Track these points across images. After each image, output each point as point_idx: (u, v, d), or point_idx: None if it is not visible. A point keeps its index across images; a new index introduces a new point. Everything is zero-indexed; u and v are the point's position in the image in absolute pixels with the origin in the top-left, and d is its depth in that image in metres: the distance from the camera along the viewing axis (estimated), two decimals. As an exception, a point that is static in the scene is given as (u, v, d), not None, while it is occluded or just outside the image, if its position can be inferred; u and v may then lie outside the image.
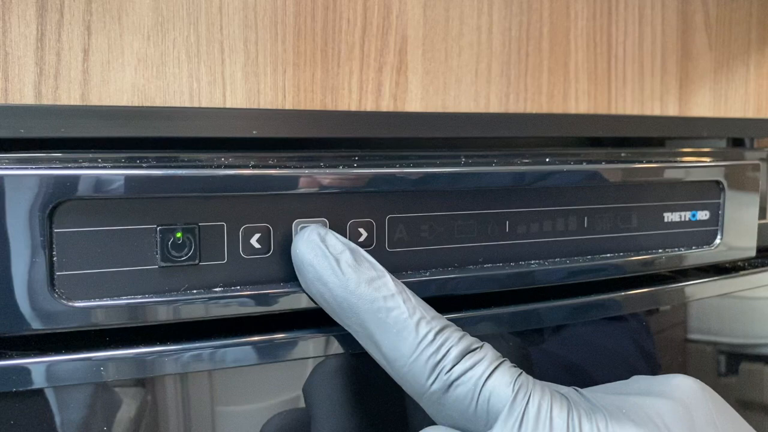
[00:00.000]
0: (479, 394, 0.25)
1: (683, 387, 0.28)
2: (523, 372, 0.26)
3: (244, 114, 0.34)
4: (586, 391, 0.28)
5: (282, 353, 0.28)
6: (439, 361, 0.25)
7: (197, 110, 0.34)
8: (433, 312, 0.27)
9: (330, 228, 0.29)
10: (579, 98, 0.44)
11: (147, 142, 0.33)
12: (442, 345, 0.25)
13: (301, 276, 0.27)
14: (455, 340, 0.26)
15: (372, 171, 0.29)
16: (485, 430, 0.25)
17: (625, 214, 0.35)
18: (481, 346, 0.26)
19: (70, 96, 0.32)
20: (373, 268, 0.27)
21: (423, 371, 0.25)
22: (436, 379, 0.25)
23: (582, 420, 0.25)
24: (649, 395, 0.27)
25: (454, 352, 0.25)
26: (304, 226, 0.28)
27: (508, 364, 0.26)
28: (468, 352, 0.25)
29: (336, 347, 0.29)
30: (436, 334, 0.25)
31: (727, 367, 0.44)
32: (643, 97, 0.46)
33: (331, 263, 0.26)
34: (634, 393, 0.28)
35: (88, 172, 0.24)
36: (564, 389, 0.28)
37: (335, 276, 0.26)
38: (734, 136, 0.50)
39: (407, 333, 0.25)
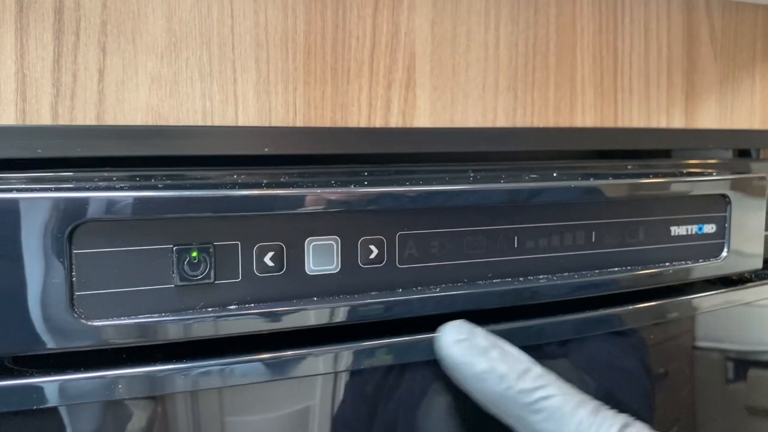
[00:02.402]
0: None
1: None
2: None
3: (256, 132, 0.35)
4: None
5: (295, 369, 0.29)
6: None
7: (210, 128, 0.34)
8: (583, 393, 0.28)
9: (341, 245, 0.30)
10: (585, 111, 0.44)
11: (161, 159, 0.34)
12: (601, 425, 0.27)
13: (455, 373, 0.29)
14: (611, 418, 0.27)
15: (382, 189, 0.29)
16: None
17: (632, 228, 0.36)
18: (634, 423, 0.28)
19: (86, 116, 0.32)
20: (520, 360, 0.29)
21: None
22: None
23: None
24: None
25: (613, 430, 0.27)
26: (445, 325, 0.30)
27: None
28: (624, 427, 0.27)
29: (348, 363, 0.30)
30: (592, 415, 0.27)
31: (735, 375, 0.44)
32: (650, 109, 0.47)
33: (486, 360, 0.28)
34: None
35: (106, 195, 0.25)
36: None
37: (492, 373, 0.28)
38: (740, 148, 0.51)
39: (567, 418, 0.27)
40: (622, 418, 0.28)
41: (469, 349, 0.29)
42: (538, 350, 0.34)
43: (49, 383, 0.26)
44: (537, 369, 0.29)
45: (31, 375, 0.26)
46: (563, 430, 0.27)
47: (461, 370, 0.29)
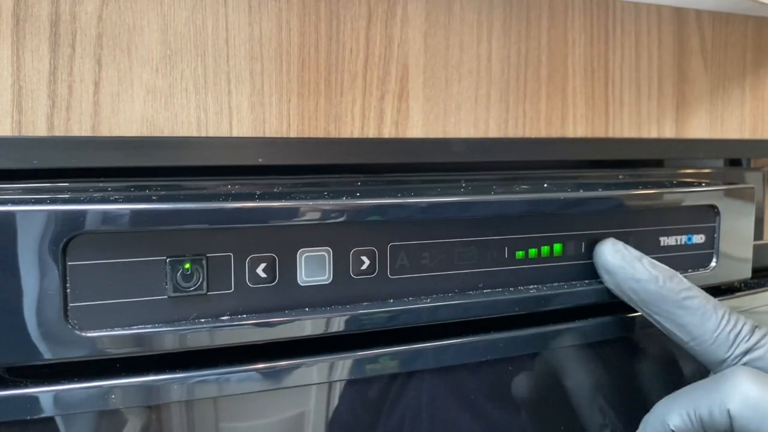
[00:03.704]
0: None
1: None
2: None
3: (250, 142, 0.35)
4: None
5: (288, 379, 0.29)
6: (738, 333, 0.32)
7: (205, 140, 0.35)
8: (715, 299, 0.34)
9: (333, 256, 0.30)
10: (577, 122, 0.45)
11: (156, 169, 0.34)
12: (737, 322, 0.33)
13: (612, 276, 0.34)
14: (743, 318, 0.33)
15: (373, 201, 0.30)
16: None
17: (622, 238, 0.36)
18: (760, 325, 0.33)
19: (81, 127, 0.33)
20: (665, 267, 0.34)
21: (726, 342, 0.32)
22: (738, 346, 0.32)
23: None
24: None
25: (747, 327, 0.33)
26: (603, 240, 0.35)
27: None
28: (754, 327, 0.33)
29: (340, 373, 0.30)
30: (730, 314, 0.33)
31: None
32: (641, 120, 0.47)
33: (641, 265, 0.33)
34: None
35: (100, 207, 0.25)
36: None
37: (647, 273, 0.33)
38: (731, 157, 0.51)
39: (709, 314, 0.33)
40: (751, 320, 0.33)
41: (626, 256, 0.34)
42: (528, 359, 0.35)
43: (44, 393, 0.26)
44: (680, 276, 0.34)
45: (26, 385, 0.26)
46: (706, 324, 0.32)
47: (621, 273, 0.34)
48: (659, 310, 0.33)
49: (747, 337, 0.32)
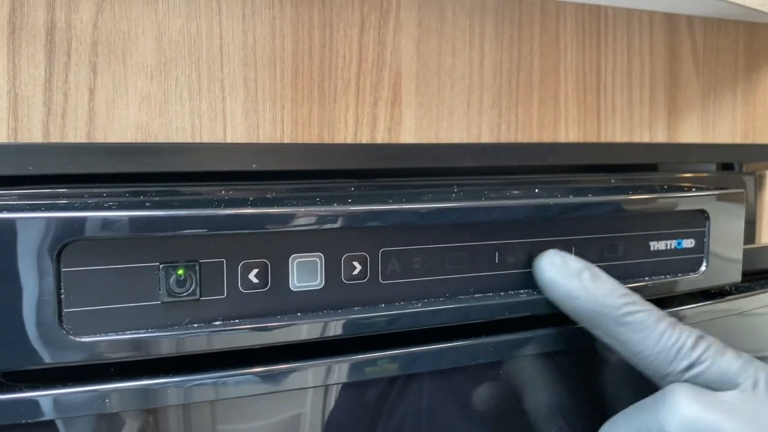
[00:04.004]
0: (716, 370, 0.31)
1: None
2: (745, 353, 0.32)
3: (244, 148, 0.36)
4: None
5: (280, 383, 0.30)
6: (681, 348, 0.31)
7: (199, 146, 0.35)
8: (660, 310, 0.33)
9: (325, 261, 0.30)
10: (569, 127, 0.45)
11: (151, 175, 0.35)
12: (679, 336, 0.32)
13: (551, 293, 0.33)
14: (688, 330, 0.32)
15: (365, 208, 0.30)
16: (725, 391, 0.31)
17: (612, 243, 0.37)
18: (706, 335, 0.32)
19: (76, 134, 0.33)
20: (608, 280, 0.33)
21: (667, 357, 0.31)
22: (679, 362, 0.31)
23: None
24: None
25: (690, 341, 0.32)
26: (542, 253, 0.34)
27: (730, 347, 0.32)
28: (698, 338, 0.32)
29: (332, 377, 0.31)
30: (673, 326, 0.32)
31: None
32: (632, 125, 0.48)
33: (579, 281, 0.32)
34: None
35: (94, 214, 0.26)
36: None
37: (585, 291, 0.32)
38: (723, 162, 0.52)
39: (651, 329, 0.32)
40: (696, 331, 0.32)
41: (563, 272, 0.33)
42: (520, 363, 0.35)
43: (39, 398, 0.26)
44: (622, 288, 0.33)
45: (22, 390, 0.26)
46: (647, 340, 0.32)
47: (556, 290, 0.33)
48: (598, 326, 0.33)
49: (689, 352, 0.31)
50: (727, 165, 0.53)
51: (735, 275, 0.42)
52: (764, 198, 0.54)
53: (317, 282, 0.30)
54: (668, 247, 0.39)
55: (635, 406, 0.32)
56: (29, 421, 0.26)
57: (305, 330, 0.30)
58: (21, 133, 0.32)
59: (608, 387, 0.38)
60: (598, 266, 0.36)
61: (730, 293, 0.44)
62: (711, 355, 0.31)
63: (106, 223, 0.26)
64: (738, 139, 0.53)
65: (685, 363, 0.31)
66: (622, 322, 0.32)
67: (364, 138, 0.39)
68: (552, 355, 0.36)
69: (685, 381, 0.31)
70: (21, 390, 0.26)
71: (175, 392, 0.28)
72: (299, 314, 0.30)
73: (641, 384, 0.34)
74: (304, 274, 0.30)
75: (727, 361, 0.31)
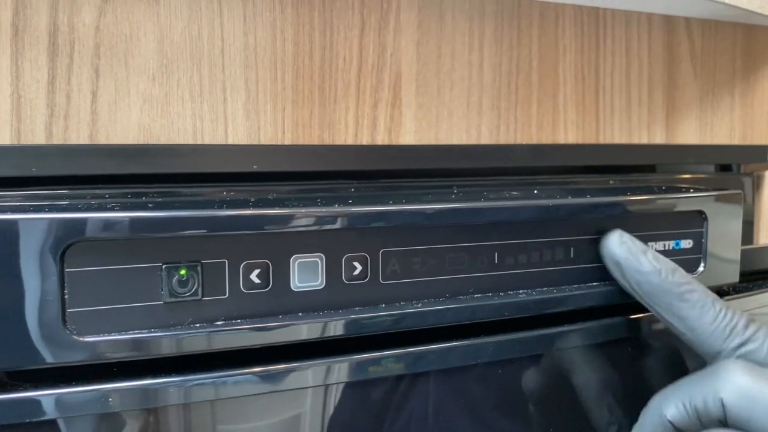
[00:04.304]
0: (765, 349, 0.33)
1: None
2: None
3: (245, 150, 0.36)
4: None
5: (281, 383, 0.30)
6: (734, 327, 0.34)
7: (200, 147, 0.35)
8: (713, 293, 0.35)
9: (326, 262, 0.31)
10: (568, 128, 0.45)
11: (153, 176, 0.35)
12: (733, 316, 0.34)
13: (619, 269, 0.36)
14: (739, 313, 0.35)
15: (365, 209, 0.30)
16: None
17: (611, 244, 0.37)
18: (755, 319, 0.34)
19: (79, 135, 0.33)
20: (668, 261, 0.35)
21: (722, 335, 0.34)
22: (732, 339, 0.34)
23: None
24: None
25: (742, 321, 0.34)
26: (610, 232, 0.36)
27: None
28: (750, 322, 0.34)
29: (333, 376, 0.31)
30: (726, 308, 0.35)
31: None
32: (631, 126, 0.48)
33: (645, 258, 0.35)
34: None
35: (97, 215, 0.26)
36: None
37: (651, 266, 0.35)
38: (721, 163, 0.52)
39: (707, 308, 0.34)
40: (746, 314, 0.35)
41: (631, 248, 0.35)
42: (519, 362, 0.35)
43: (43, 397, 0.26)
44: (682, 270, 0.35)
45: (25, 389, 0.26)
46: (704, 317, 0.34)
47: (626, 265, 0.35)
48: (661, 302, 0.35)
49: (742, 331, 0.34)
50: (725, 166, 0.53)
51: (733, 276, 0.42)
52: (762, 199, 0.54)
53: (318, 282, 0.30)
54: (666, 248, 0.39)
55: (686, 378, 0.34)
56: (33, 420, 0.26)
57: (306, 330, 0.30)
58: (24, 135, 0.32)
59: (611, 386, 0.38)
60: (597, 267, 0.37)
61: (728, 293, 0.44)
62: (762, 336, 0.34)
63: (110, 224, 0.26)
64: (736, 140, 0.53)
65: (737, 341, 0.33)
66: (683, 299, 0.34)
67: (365, 139, 0.39)
68: (552, 354, 0.36)
69: (737, 357, 0.33)
70: (25, 389, 0.27)
71: (178, 392, 0.28)
72: (300, 314, 0.30)
73: (643, 383, 0.34)
74: (305, 274, 0.30)
75: None
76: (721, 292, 0.44)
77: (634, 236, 0.38)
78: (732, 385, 0.31)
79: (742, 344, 0.34)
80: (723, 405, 0.31)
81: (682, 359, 0.41)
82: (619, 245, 0.36)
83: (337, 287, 0.31)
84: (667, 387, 0.34)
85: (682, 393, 0.33)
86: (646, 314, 0.38)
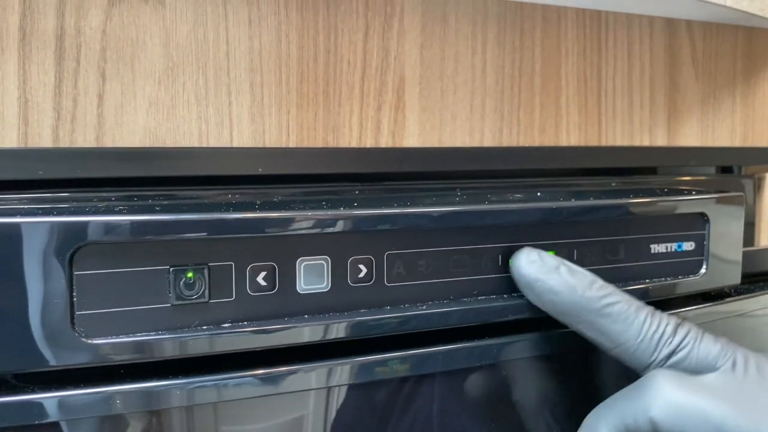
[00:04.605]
0: (697, 355, 0.32)
1: None
2: (722, 336, 0.33)
3: (250, 153, 0.36)
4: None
5: (287, 385, 0.30)
6: (661, 336, 0.32)
7: (206, 150, 0.35)
8: (637, 300, 0.33)
9: (331, 264, 0.31)
10: (570, 131, 0.46)
11: (159, 179, 0.35)
12: (659, 323, 0.32)
13: (531, 290, 0.33)
14: (666, 318, 0.33)
15: (370, 212, 0.31)
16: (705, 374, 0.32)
17: (613, 246, 0.37)
18: (683, 321, 0.33)
19: (85, 139, 0.33)
20: (585, 274, 0.33)
21: (649, 346, 0.32)
22: (661, 350, 0.32)
23: None
24: None
25: (670, 328, 0.32)
26: (517, 252, 0.34)
27: (708, 332, 0.33)
28: (677, 325, 0.32)
29: (338, 378, 0.31)
30: (652, 316, 0.32)
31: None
32: (633, 128, 0.48)
33: (557, 276, 0.32)
34: None
35: (106, 219, 0.26)
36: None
37: (565, 286, 0.32)
38: (722, 165, 0.52)
39: (631, 320, 0.32)
40: (674, 317, 0.33)
41: (541, 268, 0.33)
42: (523, 364, 0.36)
43: (51, 399, 0.27)
44: (599, 281, 0.33)
45: (34, 391, 0.27)
46: (628, 331, 0.32)
47: (536, 287, 0.33)
48: (580, 320, 0.33)
49: (670, 339, 0.32)
50: (727, 168, 0.53)
51: (734, 277, 0.42)
52: (763, 201, 0.55)
53: (324, 285, 0.31)
54: (668, 250, 0.39)
55: (618, 394, 0.32)
56: (41, 422, 0.27)
57: (312, 332, 0.30)
58: (31, 138, 0.32)
59: (604, 383, 0.38)
60: (600, 269, 0.37)
61: (729, 295, 0.45)
62: (691, 341, 0.32)
63: (118, 228, 0.26)
64: (737, 143, 0.53)
65: (666, 350, 0.32)
66: (603, 314, 0.32)
67: (369, 142, 0.39)
68: (553, 357, 0.36)
69: (667, 368, 0.32)
70: (33, 391, 0.27)
71: (186, 394, 0.28)
72: (306, 316, 0.30)
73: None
74: (311, 277, 0.30)
75: (706, 345, 0.32)
76: (723, 294, 0.44)
77: (636, 238, 0.38)
78: (660, 400, 0.30)
79: (671, 353, 0.32)
80: (653, 423, 0.30)
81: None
82: (528, 265, 0.33)
83: (343, 289, 0.31)
84: (600, 405, 0.33)
85: (614, 412, 0.31)
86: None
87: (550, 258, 0.33)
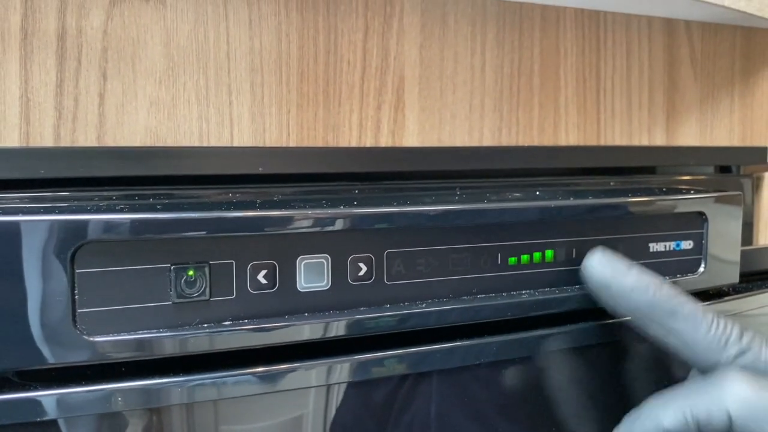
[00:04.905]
0: (763, 357, 0.33)
1: None
2: None
3: (251, 152, 0.36)
4: None
5: (288, 382, 0.30)
6: (729, 337, 0.33)
7: (206, 149, 0.36)
8: (702, 304, 0.34)
9: (331, 263, 0.31)
10: (569, 131, 0.46)
11: (159, 178, 0.35)
12: (725, 326, 0.33)
13: (607, 290, 0.34)
14: (731, 321, 0.34)
15: (370, 210, 0.31)
16: None
17: (612, 245, 0.37)
18: (747, 328, 0.34)
19: (87, 138, 0.34)
20: (654, 275, 0.34)
21: (717, 346, 0.33)
22: (729, 350, 0.33)
23: None
24: None
25: (736, 330, 0.33)
26: (591, 252, 0.35)
27: None
28: (744, 330, 0.33)
29: (338, 376, 0.31)
30: (718, 318, 0.33)
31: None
32: (631, 128, 0.48)
33: (632, 277, 0.34)
34: None
35: (108, 217, 0.26)
36: None
37: (640, 287, 0.33)
38: (721, 164, 0.52)
39: (699, 320, 0.33)
40: (738, 323, 0.34)
41: (616, 268, 0.34)
42: (521, 363, 0.36)
43: (52, 396, 0.27)
44: (667, 282, 0.34)
45: (36, 388, 0.27)
46: (698, 330, 0.33)
47: (612, 286, 0.34)
48: (652, 318, 0.34)
49: (737, 340, 0.33)
50: (725, 167, 0.53)
51: (733, 276, 0.42)
52: (761, 200, 0.55)
53: (324, 283, 0.31)
54: (667, 249, 0.39)
55: (684, 387, 0.33)
56: (43, 419, 0.27)
57: (312, 330, 0.30)
58: (33, 137, 0.33)
59: (618, 385, 0.39)
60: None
61: (728, 294, 0.45)
62: (758, 344, 0.33)
63: (119, 226, 0.27)
64: (735, 142, 0.53)
65: (734, 350, 0.33)
66: (675, 313, 0.33)
67: (368, 141, 0.40)
68: (553, 355, 0.36)
69: (737, 367, 0.33)
70: (35, 389, 0.27)
71: (187, 391, 0.28)
72: (306, 314, 0.30)
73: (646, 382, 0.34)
74: (311, 275, 0.30)
75: None
76: (721, 292, 0.44)
77: (634, 237, 0.38)
78: (738, 396, 0.31)
79: (739, 354, 0.33)
80: (730, 417, 0.31)
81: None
82: (602, 265, 0.34)
83: (343, 288, 0.31)
84: (661, 394, 0.33)
85: (682, 402, 0.32)
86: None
87: (621, 259, 0.35)
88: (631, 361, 0.40)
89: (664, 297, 0.33)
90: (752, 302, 0.45)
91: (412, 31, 0.40)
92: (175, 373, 0.28)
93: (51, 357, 0.26)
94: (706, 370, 0.33)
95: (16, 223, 0.26)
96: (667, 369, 0.41)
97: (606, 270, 0.34)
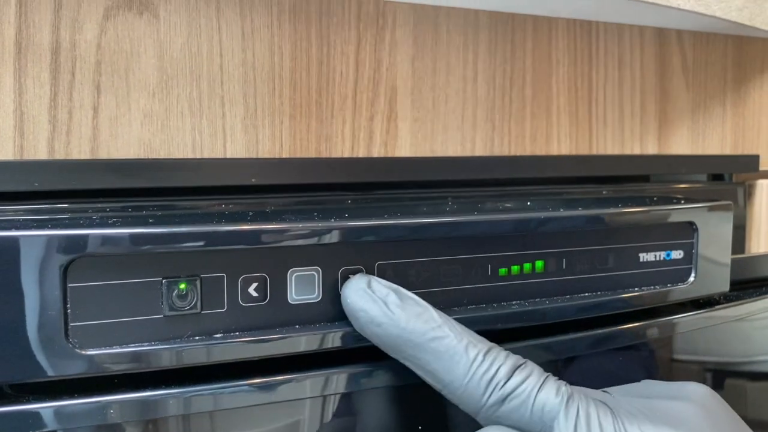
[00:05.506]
0: (533, 405, 0.28)
1: (699, 392, 0.32)
2: (566, 383, 0.29)
3: (244, 163, 0.37)
4: (614, 392, 0.31)
5: (279, 394, 0.30)
6: (492, 379, 0.28)
7: (200, 161, 0.36)
8: (477, 336, 0.30)
9: (322, 275, 0.31)
10: (561, 140, 0.46)
11: (153, 190, 0.35)
12: (492, 364, 0.29)
13: (355, 321, 0.30)
14: (503, 358, 0.29)
15: (360, 223, 0.31)
16: None
17: (602, 255, 0.38)
18: (526, 363, 0.29)
19: (81, 151, 0.34)
20: (417, 304, 0.30)
21: (478, 389, 0.28)
22: (491, 395, 0.28)
23: (626, 424, 0.28)
24: (672, 399, 0.31)
25: (504, 370, 0.28)
26: (350, 277, 0.31)
27: (552, 377, 0.29)
28: (516, 368, 0.29)
29: (330, 387, 0.32)
30: (485, 354, 0.29)
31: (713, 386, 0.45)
32: (624, 137, 0.49)
33: (381, 306, 0.29)
34: (656, 396, 0.31)
35: (100, 231, 0.27)
36: (598, 394, 0.31)
37: (386, 317, 0.29)
38: (713, 173, 0.53)
39: (459, 357, 0.29)
40: (514, 358, 0.29)
41: (365, 297, 0.30)
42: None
43: (46, 409, 0.27)
44: (432, 312, 0.30)
45: (29, 401, 0.27)
46: (455, 369, 0.28)
47: (359, 317, 0.30)
48: (404, 355, 0.29)
49: (502, 383, 0.28)
50: (717, 175, 0.54)
51: (723, 285, 0.43)
52: (753, 207, 0.55)
53: (315, 295, 0.31)
54: (657, 259, 0.40)
55: None
56: (36, 431, 0.27)
57: (303, 342, 0.31)
58: (27, 151, 0.33)
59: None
60: (589, 278, 0.38)
61: (718, 302, 0.45)
62: (529, 387, 0.28)
63: (111, 240, 0.27)
64: (727, 150, 0.54)
65: (496, 396, 0.28)
66: (428, 349, 0.29)
67: (361, 152, 0.40)
68: (547, 364, 0.37)
69: (500, 416, 0.28)
70: (28, 401, 0.27)
71: (178, 403, 0.29)
72: (297, 326, 0.31)
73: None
74: (302, 287, 0.31)
75: (546, 394, 0.28)
76: (712, 301, 0.45)
77: (625, 247, 0.38)
78: None
79: (503, 399, 0.28)
80: None
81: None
82: (354, 293, 0.30)
83: (334, 300, 0.31)
84: None
85: None
86: (645, 322, 0.39)
87: (380, 286, 0.30)
88: (627, 367, 0.40)
89: (416, 331, 0.29)
90: (742, 310, 0.45)
91: (404, 42, 0.41)
92: (168, 386, 0.29)
93: (44, 370, 0.27)
94: (475, 416, 0.29)
95: (9, 238, 0.26)
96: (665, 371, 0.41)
97: (355, 297, 0.30)
